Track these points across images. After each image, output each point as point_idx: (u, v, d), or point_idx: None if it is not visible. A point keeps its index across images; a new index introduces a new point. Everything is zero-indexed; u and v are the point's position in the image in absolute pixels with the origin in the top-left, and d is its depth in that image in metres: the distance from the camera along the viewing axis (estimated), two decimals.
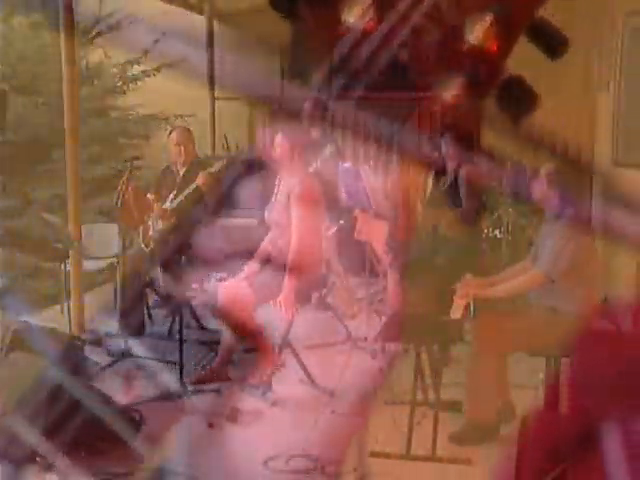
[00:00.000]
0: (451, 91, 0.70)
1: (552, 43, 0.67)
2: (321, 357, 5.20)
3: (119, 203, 5.13)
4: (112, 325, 5.43)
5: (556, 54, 0.68)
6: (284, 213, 4.66)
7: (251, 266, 4.83)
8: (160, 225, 5.46)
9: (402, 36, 0.63)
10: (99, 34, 8.07)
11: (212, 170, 5.49)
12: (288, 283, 4.53)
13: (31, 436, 3.64)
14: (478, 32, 0.64)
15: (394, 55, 0.64)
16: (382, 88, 0.65)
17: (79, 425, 3.69)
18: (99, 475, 3.61)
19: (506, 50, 0.64)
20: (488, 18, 0.64)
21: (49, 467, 3.56)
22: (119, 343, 5.23)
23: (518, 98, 0.69)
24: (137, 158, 6.98)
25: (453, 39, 0.63)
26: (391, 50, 0.63)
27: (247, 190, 5.77)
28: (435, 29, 0.63)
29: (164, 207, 5.52)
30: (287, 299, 4.53)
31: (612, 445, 0.88)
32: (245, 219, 6.48)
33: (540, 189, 4.05)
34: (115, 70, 8.39)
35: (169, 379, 4.70)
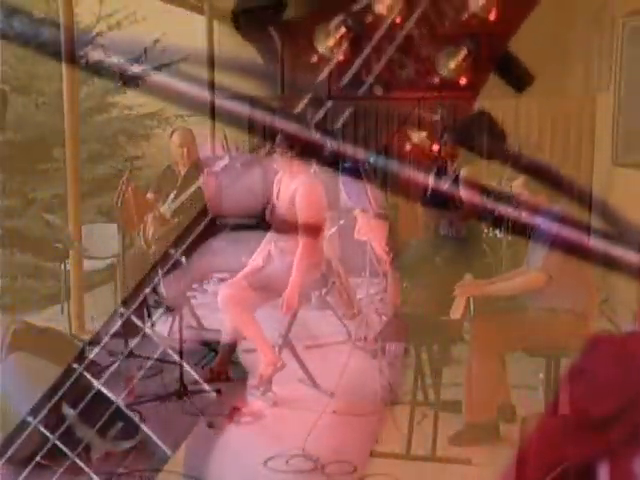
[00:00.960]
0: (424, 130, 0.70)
1: (519, 78, 0.68)
2: (321, 357, 5.20)
3: (119, 203, 5.13)
4: (112, 325, 5.43)
5: (522, 88, 0.68)
6: (287, 215, 4.66)
7: (251, 265, 4.83)
8: (160, 227, 5.46)
9: (376, 69, 0.63)
10: (99, 34, 8.06)
11: (214, 169, 5.49)
12: (294, 283, 4.54)
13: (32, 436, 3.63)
14: (451, 66, 0.64)
15: (369, 89, 0.64)
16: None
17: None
18: (99, 475, 3.61)
19: (477, 84, 0.64)
20: (462, 52, 0.64)
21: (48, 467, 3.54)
22: (119, 343, 5.22)
23: (487, 134, 0.70)
24: (137, 158, 6.97)
25: (426, 72, 0.63)
26: (365, 84, 0.63)
27: (248, 190, 5.78)
28: (409, 62, 0.63)
29: (162, 212, 5.51)
30: (291, 298, 4.54)
31: None
32: (245, 219, 6.47)
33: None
34: (115, 69, 8.38)
35: (169, 379, 4.70)
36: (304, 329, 5.30)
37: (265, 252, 4.86)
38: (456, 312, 4.01)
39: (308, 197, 4.62)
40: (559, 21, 7.60)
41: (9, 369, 3.91)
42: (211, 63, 8.41)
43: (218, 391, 4.59)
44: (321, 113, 0.63)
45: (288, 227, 4.69)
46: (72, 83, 5.66)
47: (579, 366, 1.00)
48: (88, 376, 0.75)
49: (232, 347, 4.81)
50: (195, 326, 5.66)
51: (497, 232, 6.00)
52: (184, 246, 0.72)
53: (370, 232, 5.60)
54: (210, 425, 4.14)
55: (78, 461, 0.74)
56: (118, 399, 0.72)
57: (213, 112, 8.40)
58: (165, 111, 8.29)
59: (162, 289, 5.40)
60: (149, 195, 5.76)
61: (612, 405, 0.91)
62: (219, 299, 4.61)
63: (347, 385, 4.70)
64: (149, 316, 5.92)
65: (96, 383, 0.75)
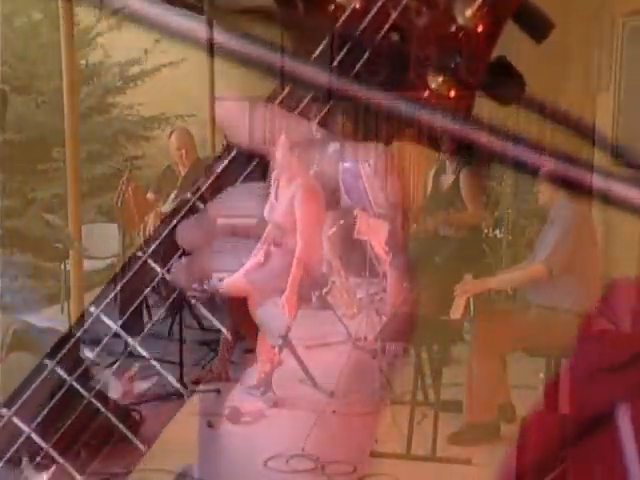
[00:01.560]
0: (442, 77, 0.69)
1: (537, 26, 0.67)
2: (321, 357, 5.20)
3: (119, 203, 5.13)
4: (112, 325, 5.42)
5: (541, 37, 0.67)
6: (287, 217, 4.66)
7: (251, 262, 4.83)
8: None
9: (392, 18, 0.62)
10: (99, 34, 8.07)
11: (214, 170, 5.48)
12: (292, 283, 4.54)
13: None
14: (467, 13, 0.63)
15: (386, 37, 0.63)
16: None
17: (77, 425, 3.68)
18: (98, 475, 3.60)
19: (494, 33, 0.63)
20: (478, 0, 0.63)
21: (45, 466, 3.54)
22: (119, 343, 5.23)
23: (505, 81, 0.69)
24: (137, 158, 6.97)
25: (443, 20, 0.62)
26: (381, 33, 0.63)
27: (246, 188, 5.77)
28: (425, 10, 0.62)
29: (162, 212, 5.51)
30: (290, 299, 4.53)
31: (626, 425, 0.86)
32: (244, 218, 6.47)
33: (543, 190, 4.06)
34: (115, 70, 8.39)
35: (169, 379, 4.70)
36: (304, 329, 5.30)
37: (263, 249, 4.85)
38: (456, 312, 4.02)
39: (308, 200, 4.61)
40: (559, 21, 7.59)
41: (9, 369, 3.91)
42: (211, 63, 8.39)
43: (218, 391, 4.60)
44: (341, 55, 0.63)
45: (287, 228, 4.69)
46: (72, 83, 5.65)
47: (597, 311, 0.99)
48: (105, 319, 0.73)
49: (232, 346, 4.80)
50: (195, 326, 5.66)
51: (497, 232, 6.00)
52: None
53: (370, 232, 5.60)
54: (210, 425, 4.14)
55: (95, 401, 0.72)
56: (134, 341, 0.70)
57: (213, 112, 8.39)
58: (166, 112, 8.29)
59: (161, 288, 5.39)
60: (149, 195, 5.76)
61: (629, 349, 0.91)
62: (218, 294, 4.61)
63: (347, 385, 4.70)
64: (149, 316, 5.93)
65: (113, 325, 0.73)
